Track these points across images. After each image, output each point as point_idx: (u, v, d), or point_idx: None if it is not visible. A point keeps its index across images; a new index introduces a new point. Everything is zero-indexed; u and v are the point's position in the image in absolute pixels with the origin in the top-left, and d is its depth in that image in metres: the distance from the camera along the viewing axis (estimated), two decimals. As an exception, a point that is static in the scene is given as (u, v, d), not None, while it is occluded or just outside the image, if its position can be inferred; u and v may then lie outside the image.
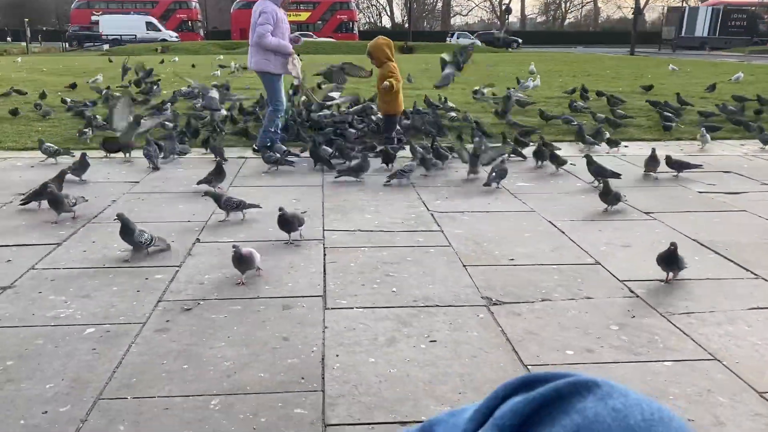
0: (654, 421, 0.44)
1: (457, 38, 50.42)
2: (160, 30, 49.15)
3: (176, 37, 48.94)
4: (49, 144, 7.10)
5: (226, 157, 6.88)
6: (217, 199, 4.97)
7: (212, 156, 7.04)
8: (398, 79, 7.39)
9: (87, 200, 5.22)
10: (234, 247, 3.72)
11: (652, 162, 6.50)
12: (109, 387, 2.64)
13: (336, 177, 6.24)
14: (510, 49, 46.96)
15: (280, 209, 4.41)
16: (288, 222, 4.39)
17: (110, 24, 47.90)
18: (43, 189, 5.06)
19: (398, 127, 8.00)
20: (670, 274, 3.78)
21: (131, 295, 3.56)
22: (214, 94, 8.80)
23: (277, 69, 7.01)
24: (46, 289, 3.64)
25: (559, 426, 0.45)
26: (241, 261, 3.70)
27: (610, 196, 5.20)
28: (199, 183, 5.80)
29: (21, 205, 5.24)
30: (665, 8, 70.32)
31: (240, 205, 4.94)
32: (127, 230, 4.12)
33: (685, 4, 66.84)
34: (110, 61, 22.88)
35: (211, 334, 3.11)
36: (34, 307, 3.40)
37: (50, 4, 67.83)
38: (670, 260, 3.71)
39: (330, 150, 6.93)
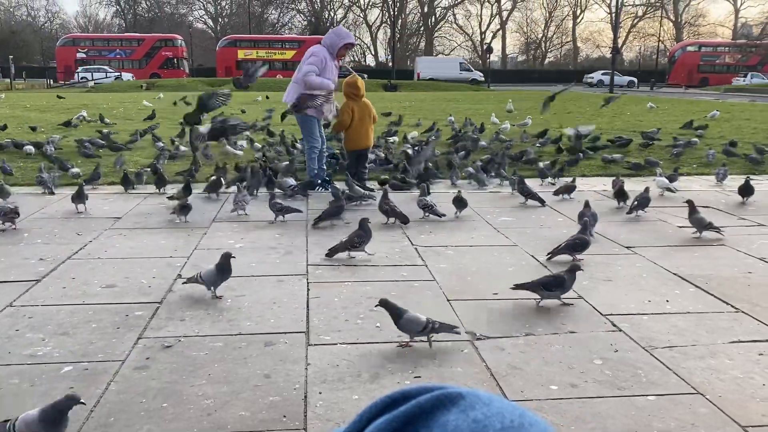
0: (513, 428, 0.43)
1: (751, 78, 48.61)
2: (471, 70, 52.33)
3: (480, 76, 51.56)
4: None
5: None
6: None
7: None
8: (342, 120, 7.43)
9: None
10: None
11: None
12: (86, 427, 2.59)
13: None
14: None
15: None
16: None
17: (426, 65, 51.53)
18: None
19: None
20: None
21: (111, 332, 3.50)
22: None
23: (310, 111, 7.16)
24: (24, 326, 3.57)
25: None
26: None
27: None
28: (331, 254, 4.81)
29: None
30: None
31: None
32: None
33: (661, 45, 68.79)
34: (59, 97, 22.82)
35: (191, 371, 3.06)
36: (11, 344, 3.33)
37: (35, 42, 68.12)
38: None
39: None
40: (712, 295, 4.18)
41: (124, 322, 3.64)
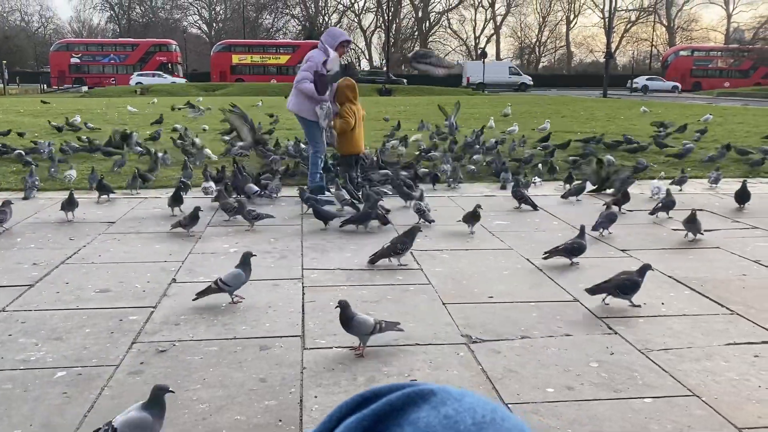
0: (485, 423, 0.43)
1: None
2: (520, 74, 52.63)
3: (529, 80, 51.94)
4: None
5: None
6: None
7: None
8: (348, 122, 7.33)
9: None
10: None
11: None
12: (79, 432, 2.56)
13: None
14: None
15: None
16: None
17: (474, 69, 50.96)
18: None
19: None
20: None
21: (105, 337, 3.48)
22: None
23: (311, 115, 7.11)
24: (17, 331, 3.55)
25: None
26: None
27: None
28: (374, 260, 4.79)
29: None
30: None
31: None
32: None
33: (654, 50, 69.13)
34: (43, 102, 22.66)
35: (186, 376, 3.04)
36: (4, 349, 3.31)
37: (28, 47, 67.93)
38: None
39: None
40: (707, 297, 4.19)
41: (118, 327, 3.62)
